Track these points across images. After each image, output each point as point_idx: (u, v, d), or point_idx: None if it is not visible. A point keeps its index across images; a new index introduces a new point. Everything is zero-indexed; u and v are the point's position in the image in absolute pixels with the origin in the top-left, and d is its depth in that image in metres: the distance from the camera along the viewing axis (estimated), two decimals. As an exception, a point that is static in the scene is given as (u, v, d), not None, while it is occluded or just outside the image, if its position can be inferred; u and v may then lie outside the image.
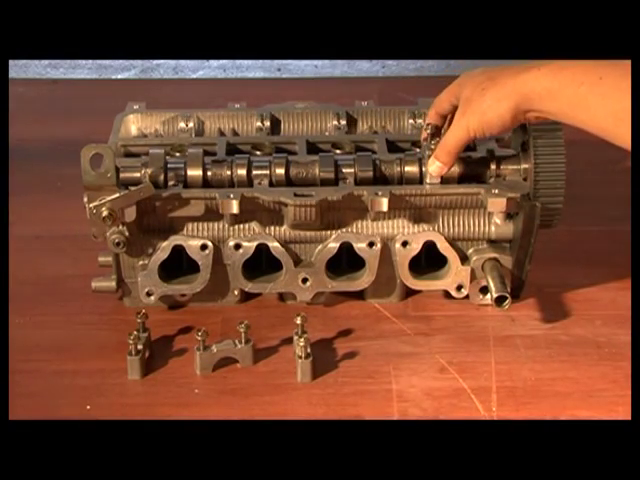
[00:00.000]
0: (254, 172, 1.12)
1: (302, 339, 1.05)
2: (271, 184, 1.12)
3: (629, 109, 0.95)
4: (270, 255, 1.12)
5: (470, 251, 1.14)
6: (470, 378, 1.04)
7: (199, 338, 1.05)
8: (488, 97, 1.05)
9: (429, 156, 1.11)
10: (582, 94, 0.99)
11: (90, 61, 1.87)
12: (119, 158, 1.16)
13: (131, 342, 1.04)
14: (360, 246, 1.11)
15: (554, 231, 1.14)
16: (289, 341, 1.09)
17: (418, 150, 1.17)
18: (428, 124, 1.14)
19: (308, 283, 1.12)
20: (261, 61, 1.88)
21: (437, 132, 1.13)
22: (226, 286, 1.14)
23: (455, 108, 1.10)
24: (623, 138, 0.98)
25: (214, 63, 1.89)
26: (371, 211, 1.10)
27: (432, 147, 1.11)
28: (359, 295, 1.15)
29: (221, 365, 1.06)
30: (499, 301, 1.08)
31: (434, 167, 1.10)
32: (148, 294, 1.12)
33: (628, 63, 0.98)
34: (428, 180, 1.11)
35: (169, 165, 1.12)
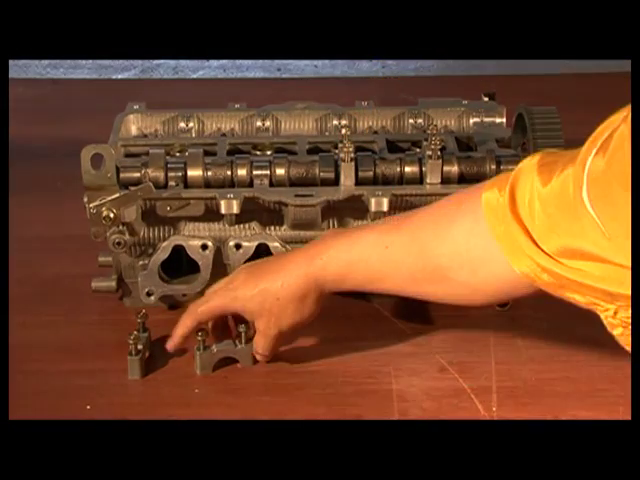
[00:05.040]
0: (254, 172, 1.12)
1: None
2: (271, 184, 1.12)
3: (424, 269, 0.95)
4: (270, 255, 1.12)
5: (470, 251, 1.14)
6: (470, 378, 1.04)
7: (199, 338, 1.05)
8: (285, 302, 1.01)
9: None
10: (375, 268, 0.98)
11: (90, 61, 1.88)
12: (119, 158, 1.15)
13: (131, 342, 1.04)
14: (360, 246, 1.11)
15: (554, 231, 1.14)
16: (289, 341, 1.09)
17: (418, 150, 1.17)
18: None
19: (308, 283, 1.12)
20: (261, 61, 1.89)
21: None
22: (226, 286, 1.14)
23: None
24: (428, 294, 0.99)
25: (214, 63, 1.89)
26: (371, 211, 1.10)
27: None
28: (359, 295, 1.15)
29: (221, 365, 1.06)
30: (499, 301, 1.08)
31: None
32: (148, 294, 1.12)
33: (411, 221, 0.98)
34: None
35: (169, 165, 1.12)
